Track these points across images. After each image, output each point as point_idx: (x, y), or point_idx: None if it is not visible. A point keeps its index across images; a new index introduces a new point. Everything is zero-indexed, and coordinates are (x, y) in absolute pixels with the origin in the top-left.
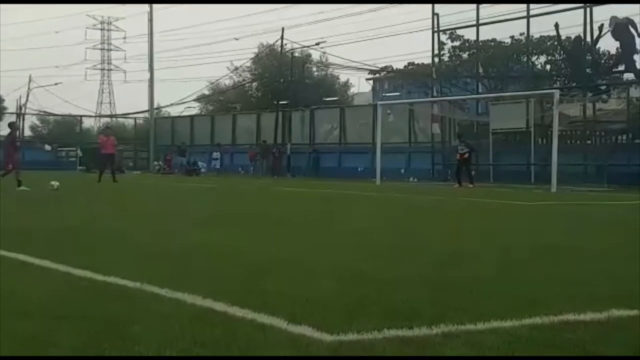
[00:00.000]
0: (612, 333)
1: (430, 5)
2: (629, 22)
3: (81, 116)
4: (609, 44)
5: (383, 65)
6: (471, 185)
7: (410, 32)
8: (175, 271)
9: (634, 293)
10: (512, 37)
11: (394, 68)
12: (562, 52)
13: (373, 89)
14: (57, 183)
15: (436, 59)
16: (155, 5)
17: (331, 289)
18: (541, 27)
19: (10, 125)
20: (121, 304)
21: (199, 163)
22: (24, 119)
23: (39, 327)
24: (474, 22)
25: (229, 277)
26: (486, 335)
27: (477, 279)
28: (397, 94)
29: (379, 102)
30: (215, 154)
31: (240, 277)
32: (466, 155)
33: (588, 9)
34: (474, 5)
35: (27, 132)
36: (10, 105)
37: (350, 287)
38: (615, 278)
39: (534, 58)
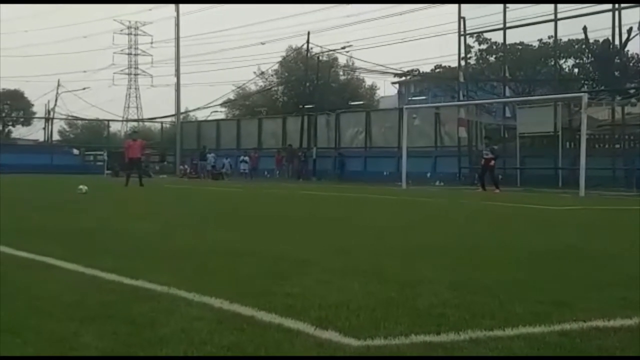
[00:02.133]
0: None
1: (457, 9)
2: None
3: (108, 120)
4: (637, 47)
5: (409, 68)
6: (497, 190)
7: (437, 36)
8: (201, 274)
9: None
10: (539, 40)
11: (420, 71)
12: (590, 56)
13: (399, 92)
14: (86, 187)
15: (463, 62)
16: (182, 10)
17: (356, 292)
18: (569, 30)
19: None
20: (148, 307)
21: (224, 161)
22: (52, 124)
23: (65, 328)
24: (501, 26)
25: (254, 279)
26: (515, 341)
27: (502, 282)
28: (423, 97)
29: (405, 106)
30: (245, 158)
31: (265, 279)
32: (492, 163)
33: (617, 12)
34: (500, 8)
35: (56, 137)
36: (39, 110)
37: (375, 290)
38: None
39: (561, 61)
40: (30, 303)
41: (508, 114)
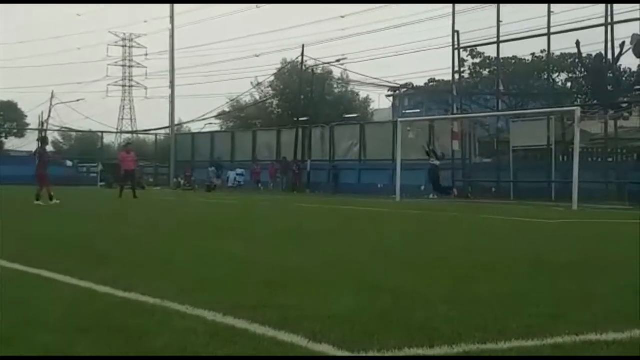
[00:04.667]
0: (634, 354)
1: (450, 23)
2: None
3: (102, 132)
4: (630, 62)
5: (404, 82)
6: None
7: (431, 49)
8: (196, 285)
9: None
10: (533, 54)
11: (414, 85)
12: (583, 70)
13: (393, 105)
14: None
15: (456, 76)
16: (176, 22)
17: (351, 304)
18: (562, 44)
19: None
20: (142, 319)
21: (210, 170)
22: (46, 135)
23: (58, 339)
24: (495, 40)
25: (249, 291)
26: (507, 355)
27: (496, 295)
28: (417, 110)
29: (399, 119)
30: (240, 170)
31: (260, 291)
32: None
33: (609, 27)
34: (494, 22)
35: (49, 148)
36: (33, 122)
37: (370, 302)
38: (636, 295)
39: (555, 75)
40: (24, 315)
41: (501, 128)
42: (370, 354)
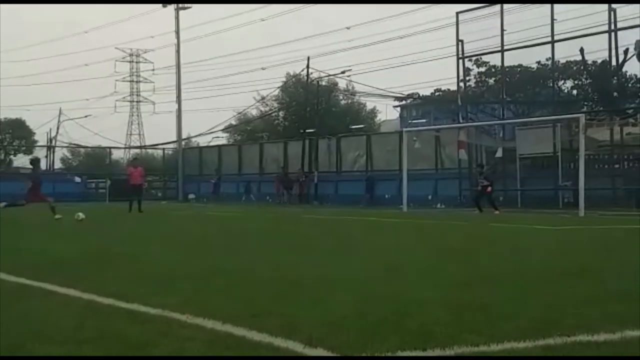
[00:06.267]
0: (625, 354)
1: (454, 32)
2: None
3: (111, 148)
4: (635, 68)
5: (410, 92)
6: (497, 212)
7: (436, 59)
8: (196, 295)
9: None
10: (537, 62)
11: (420, 95)
12: (588, 77)
13: (400, 115)
14: (82, 215)
15: (462, 85)
16: (182, 37)
17: (349, 311)
18: (567, 52)
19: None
20: (142, 328)
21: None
22: (54, 152)
23: (60, 350)
24: (499, 48)
25: (248, 299)
26: (498, 356)
27: (495, 300)
28: (424, 120)
29: (404, 129)
30: (213, 180)
31: (259, 299)
32: (489, 190)
33: (613, 33)
34: (498, 32)
35: (58, 164)
36: (41, 138)
37: (368, 309)
38: (631, 298)
39: (560, 83)
40: (27, 327)
41: (508, 136)
42: (364, 355)
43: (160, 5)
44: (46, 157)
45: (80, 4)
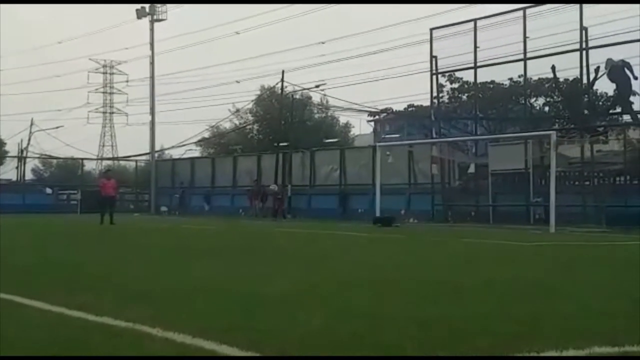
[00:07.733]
0: None
1: (429, 48)
2: (625, 64)
3: (83, 159)
4: (605, 86)
5: (384, 107)
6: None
7: (410, 75)
8: (166, 308)
9: (616, 329)
10: (510, 79)
11: (394, 110)
12: (559, 94)
13: (374, 130)
14: None
15: (435, 101)
16: (156, 49)
17: (322, 327)
18: (539, 69)
19: None
20: (112, 342)
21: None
22: (25, 163)
23: None
24: (472, 65)
25: (220, 313)
26: None
27: (468, 316)
28: (397, 135)
29: (378, 144)
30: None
31: (230, 313)
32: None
33: (584, 52)
34: (471, 48)
35: (29, 176)
36: (12, 149)
37: (341, 325)
38: (599, 314)
39: (532, 100)
40: None
41: (480, 152)
42: None
43: (135, 17)
44: (17, 168)
45: (62, 3)
